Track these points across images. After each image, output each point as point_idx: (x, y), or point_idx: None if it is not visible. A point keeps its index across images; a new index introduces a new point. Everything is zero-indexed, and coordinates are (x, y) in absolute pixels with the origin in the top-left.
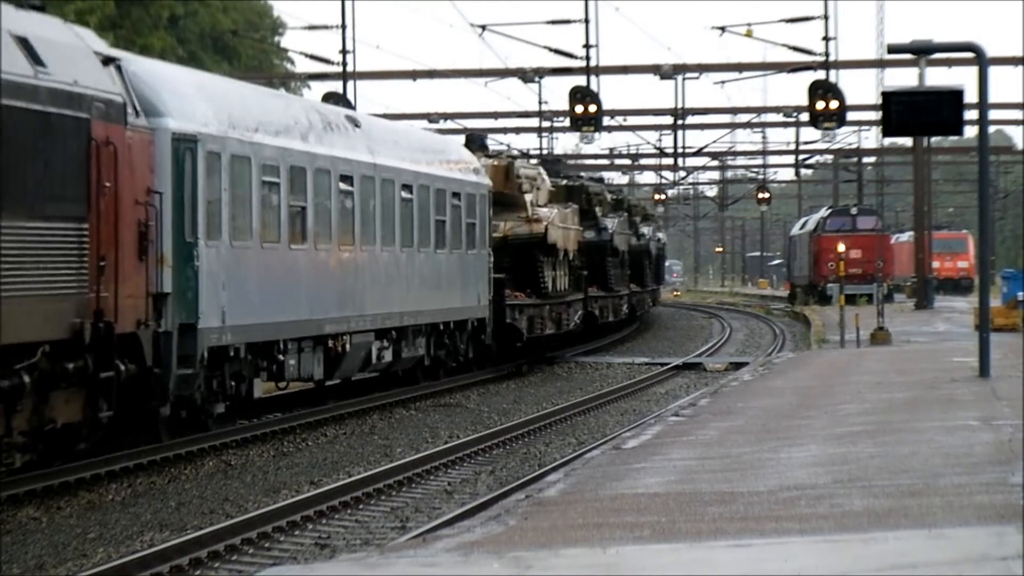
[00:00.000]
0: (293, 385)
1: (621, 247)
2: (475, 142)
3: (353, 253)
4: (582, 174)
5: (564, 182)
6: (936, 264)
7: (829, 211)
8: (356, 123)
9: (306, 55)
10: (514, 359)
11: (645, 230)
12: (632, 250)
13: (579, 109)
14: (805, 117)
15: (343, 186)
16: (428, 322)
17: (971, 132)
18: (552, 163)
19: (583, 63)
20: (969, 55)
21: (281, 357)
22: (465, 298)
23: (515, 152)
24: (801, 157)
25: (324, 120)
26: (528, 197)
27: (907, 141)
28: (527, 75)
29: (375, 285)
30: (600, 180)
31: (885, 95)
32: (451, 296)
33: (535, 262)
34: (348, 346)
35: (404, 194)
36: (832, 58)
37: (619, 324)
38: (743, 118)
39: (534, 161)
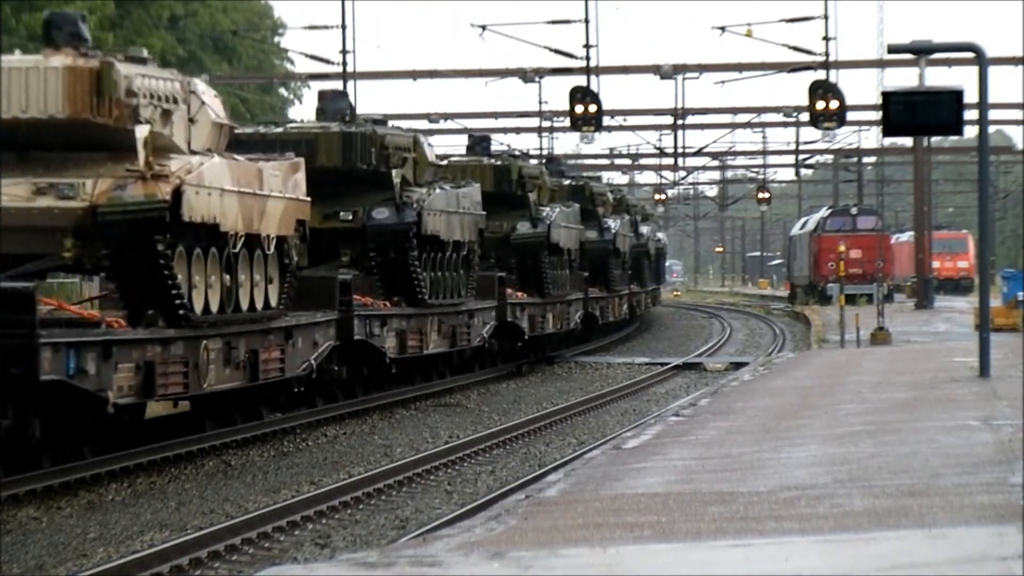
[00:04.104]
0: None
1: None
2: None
3: None
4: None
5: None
6: (936, 264)
7: (829, 211)
8: None
9: (306, 55)
10: (27, 469)
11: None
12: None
13: (579, 109)
14: (805, 117)
15: None
16: None
17: (971, 132)
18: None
19: (583, 63)
20: (969, 55)
21: None
22: None
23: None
24: (801, 157)
25: None
26: (141, 132)
27: (907, 141)
28: (527, 75)
29: None
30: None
31: (885, 95)
32: None
33: (155, 255)
34: None
35: None
36: (832, 58)
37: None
38: (743, 118)
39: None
